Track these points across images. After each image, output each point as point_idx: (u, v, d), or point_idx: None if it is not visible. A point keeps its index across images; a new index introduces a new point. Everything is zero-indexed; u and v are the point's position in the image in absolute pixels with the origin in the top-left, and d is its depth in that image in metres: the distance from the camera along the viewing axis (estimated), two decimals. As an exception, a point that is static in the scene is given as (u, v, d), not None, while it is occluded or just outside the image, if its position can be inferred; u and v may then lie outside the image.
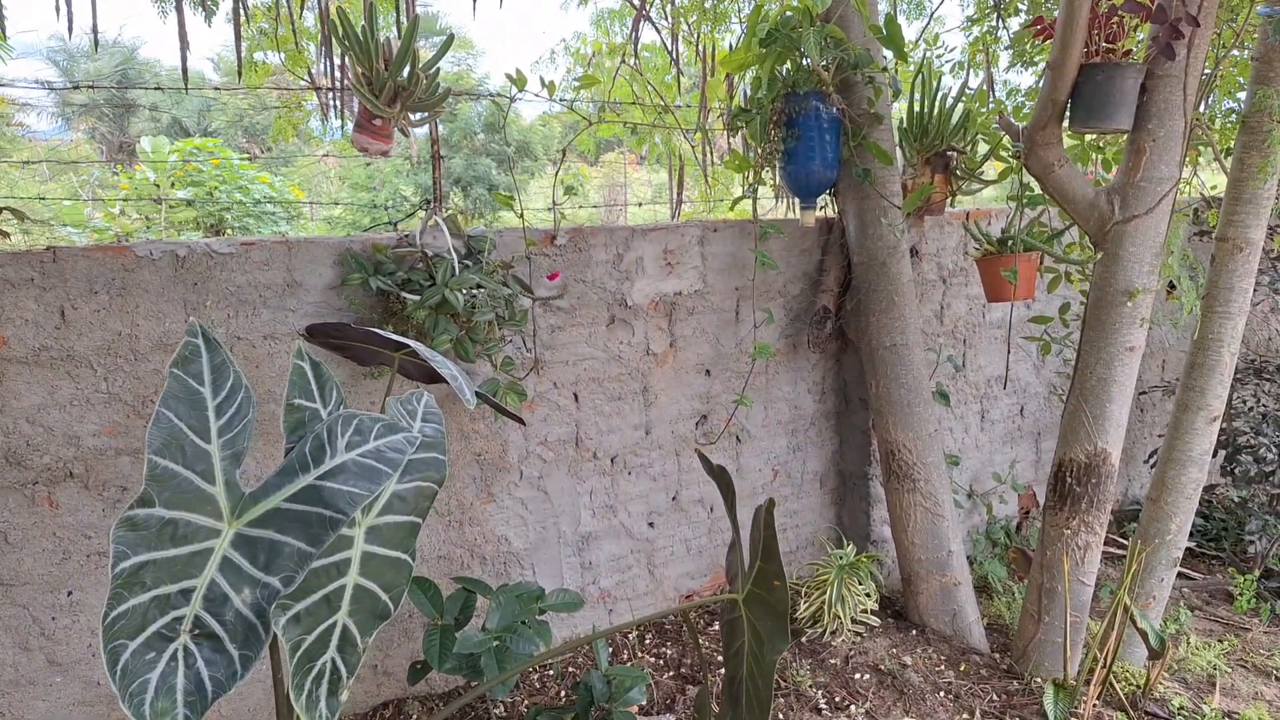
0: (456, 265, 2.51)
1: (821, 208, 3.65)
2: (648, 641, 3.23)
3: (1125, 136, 2.69)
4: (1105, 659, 2.69)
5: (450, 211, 2.66)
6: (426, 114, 2.57)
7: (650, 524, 3.36)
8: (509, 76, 2.72)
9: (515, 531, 3.02)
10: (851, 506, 3.83)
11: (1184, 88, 2.49)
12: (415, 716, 2.71)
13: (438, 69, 2.49)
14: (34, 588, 2.37)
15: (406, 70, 2.39)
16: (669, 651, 3.16)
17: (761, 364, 3.51)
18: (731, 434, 3.51)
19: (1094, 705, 2.65)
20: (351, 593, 1.51)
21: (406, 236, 2.60)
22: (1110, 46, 2.54)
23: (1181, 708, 2.70)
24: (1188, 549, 4.27)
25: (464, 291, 2.46)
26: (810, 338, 3.48)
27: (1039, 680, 2.84)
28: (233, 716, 2.67)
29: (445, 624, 2.33)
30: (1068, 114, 2.64)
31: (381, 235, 2.63)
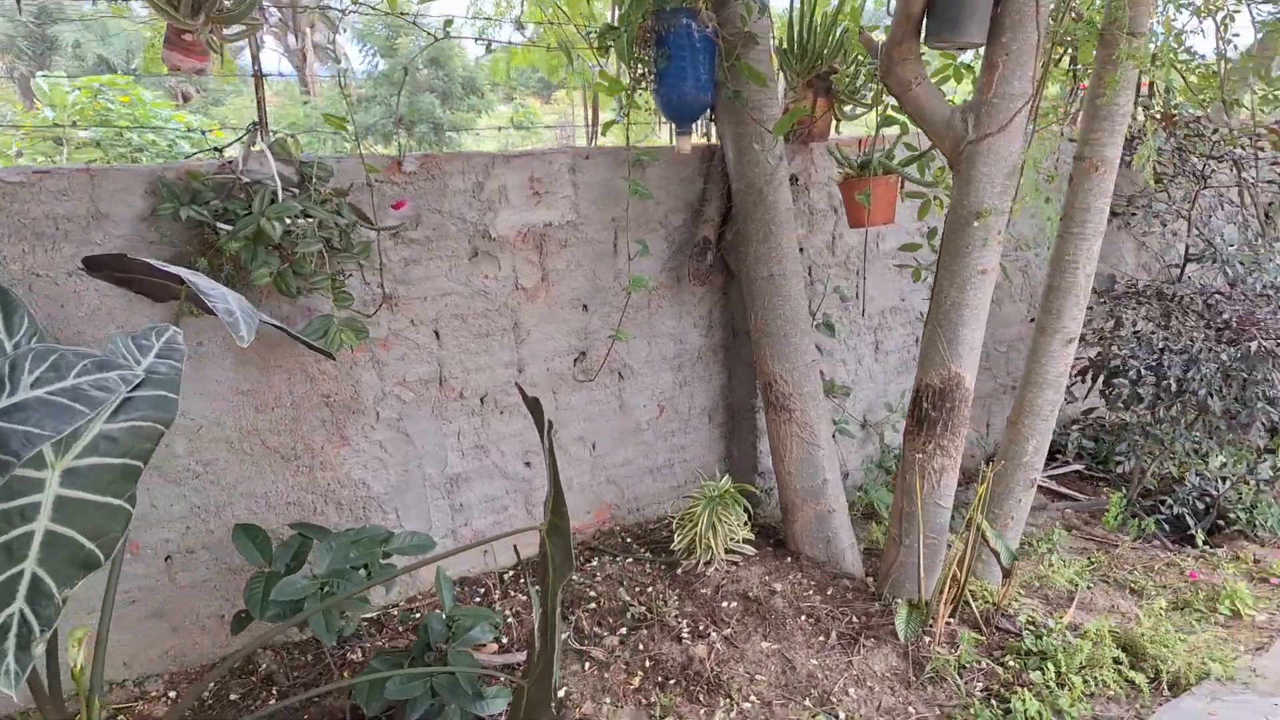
0: (280, 192, 2.36)
1: (704, 134, 3.53)
2: (522, 581, 3.19)
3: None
4: (960, 578, 2.70)
5: (278, 135, 2.49)
6: (244, 28, 2.39)
7: (527, 463, 3.29)
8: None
9: (374, 475, 2.93)
10: (740, 440, 3.80)
11: (1037, -1, 2.40)
12: (265, 665, 2.64)
13: (245, -23, 2.30)
14: None
15: (208, -20, 2.20)
16: (543, 589, 3.12)
17: (644, 298, 3.42)
18: (612, 370, 3.43)
19: (945, 622, 2.67)
20: (42, 539, 1.40)
21: (228, 163, 2.44)
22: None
23: (1030, 622, 2.73)
24: (1076, 471, 4.34)
25: (285, 220, 2.31)
26: (691, 270, 3.38)
27: (898, 601, 2.85)
28: None
29: (273, 571, 2.25)
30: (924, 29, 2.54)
31: (200, 163, 2.46)
